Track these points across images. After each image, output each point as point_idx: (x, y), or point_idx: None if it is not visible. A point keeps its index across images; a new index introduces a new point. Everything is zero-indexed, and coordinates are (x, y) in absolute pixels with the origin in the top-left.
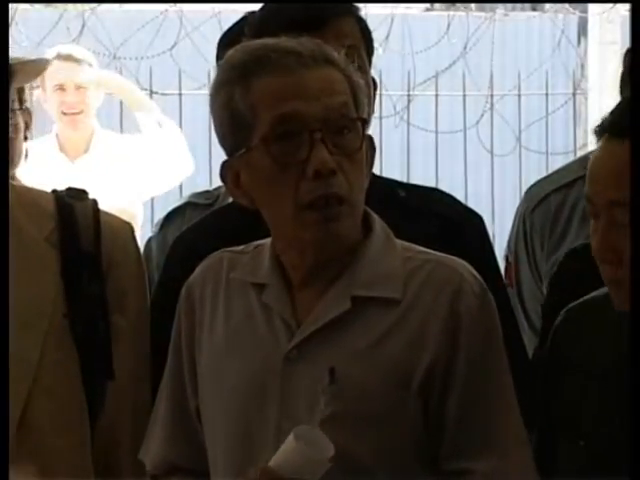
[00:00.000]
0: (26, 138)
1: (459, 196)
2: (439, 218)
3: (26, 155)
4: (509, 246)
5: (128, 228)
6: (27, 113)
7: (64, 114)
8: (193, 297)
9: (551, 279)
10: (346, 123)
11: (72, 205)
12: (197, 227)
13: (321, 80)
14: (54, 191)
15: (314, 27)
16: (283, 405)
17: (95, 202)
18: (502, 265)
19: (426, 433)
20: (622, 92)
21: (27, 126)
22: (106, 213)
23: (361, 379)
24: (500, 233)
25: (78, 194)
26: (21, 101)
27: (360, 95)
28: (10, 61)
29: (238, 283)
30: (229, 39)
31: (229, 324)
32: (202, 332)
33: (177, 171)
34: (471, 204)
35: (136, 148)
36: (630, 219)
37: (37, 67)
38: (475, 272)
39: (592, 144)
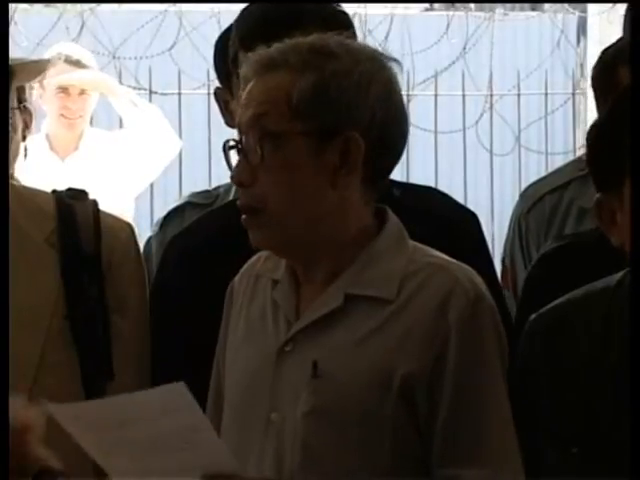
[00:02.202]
0: (24, 138)
1: (458, 196)
2: (434, 217)
3: (25, 154)
4: (505, 249)
5: (128, 229)
6: (27, 112)
7: (63, 117)
8: (233, 291)
9: (525, 283)
10: (262, 134)
11: (72, 206)
12: (192, 227)
13: (257, 89)
14: (54, 191)
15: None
16: (272, 397)
17: (95, 203)
18: (500, 267)
19: (412, 436)
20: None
21: (26, 125)
22: (106, 214)
23: (343, 375)
24: (499, 233)
25: (78, 194)
26: (20, 100)
27: (299, 100)
28: (11, 62)
29: (265, 279)
30: (225, 40)
31: (248, 319)
32: (232, 326)
33: (164, 149)
34: (470, 204)
35: (121, 139)
36: (630, 218)
37: (38, 67)
38: (477, 278)
39: None
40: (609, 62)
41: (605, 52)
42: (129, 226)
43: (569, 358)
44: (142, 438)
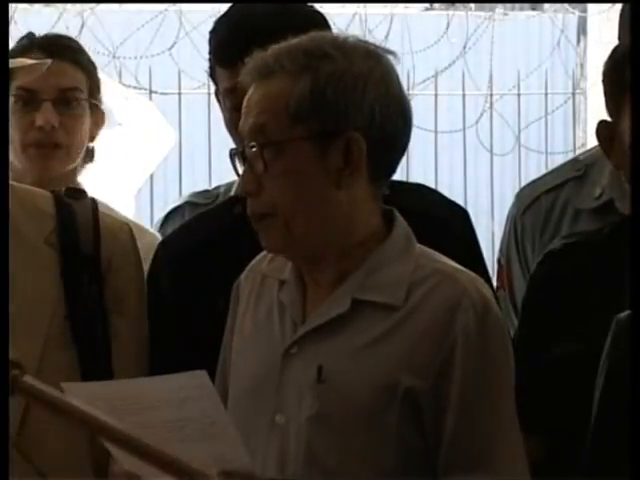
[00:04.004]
0: (92, 138)
1: (458, 196)
2: (423, 216)
3: (92, 156)
4: (501, 249)
5: (127, 229)
6: (99, 111)
7: None
8: (239, 290)
9: (530, 280)
10: (264, 143)
11: (71, 205)
12: (183, 228)
13: (255, 98)
14: (53, 191)
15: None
16: (277, 399)
17: (94, 202)
18: (496, 267)
19: (417, 441)
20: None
21: (96, 124)
22: (105, 214)
23: (347, 381)
24: (499, 232)
25: (77, 194)
26: (92, 95)
27: (297, 106)
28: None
29: (271, 279)
30: None
31: (255, 319)
32: (238, 325)
33: (159, 139)
34: (470, 204)
35: (116, 135)
36: (630, 218)
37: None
38: (484, 288)
39: (591, 143)
40: (619, 60)
41: (616, 50)
42: (128, 226)
43: None
44: (159, 425)
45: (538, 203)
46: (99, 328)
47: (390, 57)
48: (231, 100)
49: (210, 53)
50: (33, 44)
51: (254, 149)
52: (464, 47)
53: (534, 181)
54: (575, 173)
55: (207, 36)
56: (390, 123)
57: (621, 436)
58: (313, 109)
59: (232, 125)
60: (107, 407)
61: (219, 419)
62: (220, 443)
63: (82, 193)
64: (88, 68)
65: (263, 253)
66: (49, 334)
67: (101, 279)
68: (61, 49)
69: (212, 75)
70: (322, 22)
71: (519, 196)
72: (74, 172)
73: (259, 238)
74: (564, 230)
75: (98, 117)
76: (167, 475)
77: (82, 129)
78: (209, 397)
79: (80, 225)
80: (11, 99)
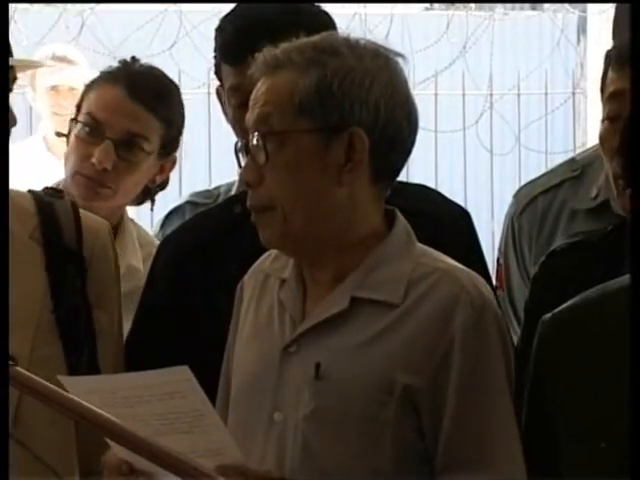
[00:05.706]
0: (154, 182)
1: (458, 196)
2: (424, 216)
3: (152, 202)
4: (500, 249)
5: (106, 226)
6: (168, 157)
7: (56, 115)
8: (242, 291)
9: (533, 280)
10: (266, 133)
11: (52, 203)
12: (184, 227)
13: (262, 89)
14: (30, 191)
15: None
16: (276, 397)
17: (73, 201)
18: (496, 266)
19: (414, 439)
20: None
21: (163, 170)
22: (84, 212)
23: (345, 378)
24: (499, 232)
25: (55, 193)
26: (165, 145)
27: (302, 98)
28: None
29: (273, 278)
30: None
31: (256, 318)
32: (240, 324)
33: None
34: (471, 203)
35: None
36: (630, 217)
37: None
38: (484, 286)
39: (591, 143)
40: (605, 63)
41: (607, 53)
42: (107, 225)
43: (587, 358)
44: (150, 417)
45: (535, 203)
46: (83, 322)
47: (399, 60)
48: (236, 98)
49: (215, 50)
50: (121, 76)
51: (257, 139)
52: (464, 47)
53: (531, 181)
54: (572, 173)
55: (207, 36)
56: (394, 123)
57: (549, 442)
58: (318, 102)
59: (236, 122)
60: (99, 400)
61: (207, 413)
62: (211, 436)
63: (60, 192)
64: (168, 119)
65: (267, 253)
66: (38, 328)
67: (84, 274)
68: (143, 92)
69: (217, 72)
70: (329, 22)
71: (516, 196)
72: (121, 208)
73: (258, 232)
74: (561, 230)
75: (166, 165)
76: (171, 474)
77: (137, 176)
78: (194, 392)
79: (62, 222)
80: (78, 123)
